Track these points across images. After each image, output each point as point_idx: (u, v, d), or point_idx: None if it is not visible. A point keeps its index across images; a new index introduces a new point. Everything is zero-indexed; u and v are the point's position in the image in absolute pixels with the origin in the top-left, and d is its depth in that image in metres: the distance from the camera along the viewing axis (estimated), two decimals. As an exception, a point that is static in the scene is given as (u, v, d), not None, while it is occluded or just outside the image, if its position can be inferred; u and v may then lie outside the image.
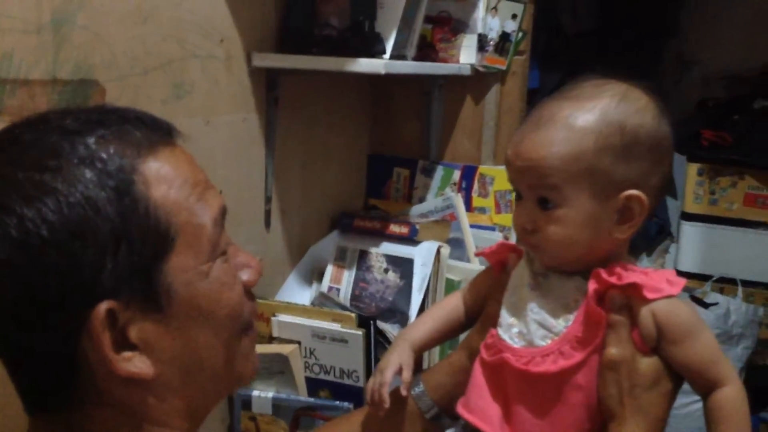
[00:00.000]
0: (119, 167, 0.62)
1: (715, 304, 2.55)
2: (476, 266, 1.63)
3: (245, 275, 0.72)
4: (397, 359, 0.95)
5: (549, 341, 0.85)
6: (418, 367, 1.00)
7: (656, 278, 0.82)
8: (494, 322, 0.90)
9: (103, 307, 0.60)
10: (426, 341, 0.99)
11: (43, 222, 0.58)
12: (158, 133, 0.67)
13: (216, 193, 0.70)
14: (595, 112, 0.82)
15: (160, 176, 0.64)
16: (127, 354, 0.63)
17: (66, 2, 1.00)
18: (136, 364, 0.63)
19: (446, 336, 1.01)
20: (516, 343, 0.87)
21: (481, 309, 0.97)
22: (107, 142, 0.63)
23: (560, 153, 0.82)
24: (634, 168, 0.82)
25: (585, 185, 0.82)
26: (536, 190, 0.84)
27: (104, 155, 0.62)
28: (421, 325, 1.00)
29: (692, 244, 2.86)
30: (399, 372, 0.94)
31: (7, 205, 0.59)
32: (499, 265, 0.96)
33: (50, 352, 0.62)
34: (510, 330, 0.88)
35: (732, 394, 0.81)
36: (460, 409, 0.91)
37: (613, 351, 0.82)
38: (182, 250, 0.64)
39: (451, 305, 1.01)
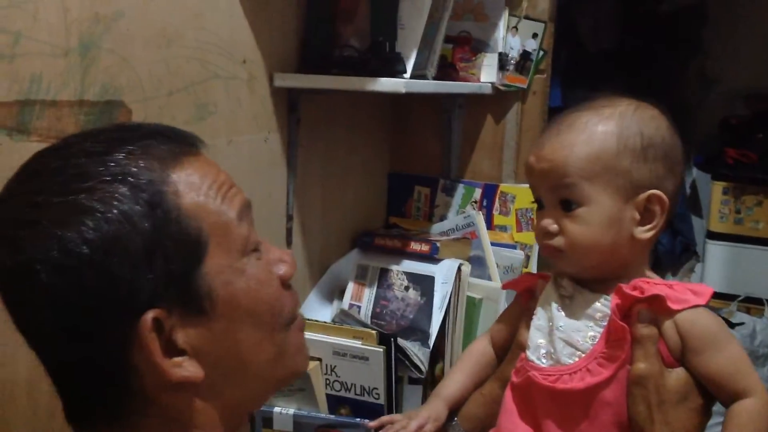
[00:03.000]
0: (150, 180, 0.63)
1: (741, 324, 2.52)
2: (497, 284, 1.63)
3: (280, 269, 0.73)
4: (427, 413, 0.96)
5: (576, 359, 0.85)
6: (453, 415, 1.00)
7: (680, 289, 0.83)
8: (524, 348, 0.91)
9: (149, 316, 0.61)
10: (460, 395, 0.99)
11: (84, 241, 0.60)
12: (182, 145, 0.69)
13: (237, 190, 0.71)
14: (614, 117, 0.85)
15: (189, 185, 0.65)
16: (177, 359, 0.64)
17: (93, 27, 1.03)
18: (187, 368, 0.64)
19: (481, 381, 1.00)
20: (544, 363, 0.87)
21: (513, 341, 0.97)
22: (135, 157, 0.64)
23: (582, 153, 0.84)
24: (651, 170, 0.84)
25: (606, 184, 0.83)
26: (558, 191, 0.85)
27: (135, 169, 0.63)
28: (452, 380, 1.00)
29: (718, 264, 2.83)
30: (425, 424, 0.95)
31: (44, 230, 0.60)
32: (527, 293, 0.96)
33: (99, 366, 0.63)
34: (538, 351, 0.88)
35: (752, 406, 0.80)
36: None
37: (640, 366, 0.82)
38: (215, 251, 0.66)
39: (478, 351, 1.01)
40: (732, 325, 2.51)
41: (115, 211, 0.61)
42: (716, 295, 2.75)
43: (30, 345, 0.66)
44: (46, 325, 0.62)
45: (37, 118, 0.97)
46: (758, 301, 2.68)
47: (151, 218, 0.62)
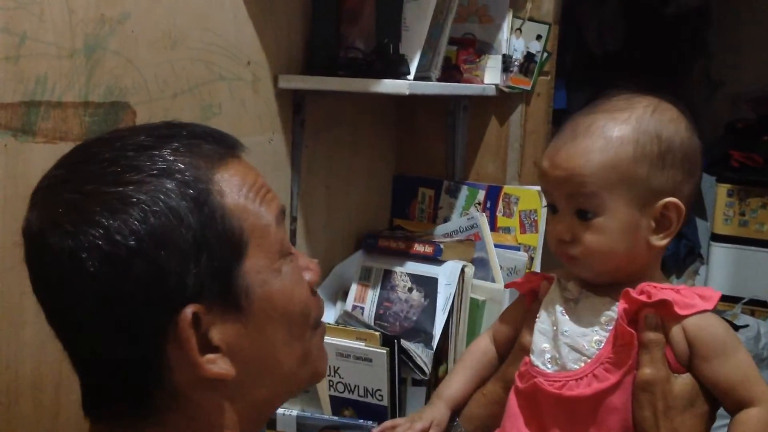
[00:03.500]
0: (196, 178, 0.64)
1: (746, 326, 2.51)
2: (500, 286, 1.62)
3: (307, 276, 0.75)
4: (430, 416, 0.95)
5: (582, 364, 0.84)
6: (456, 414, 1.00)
7: (688, 294, 0.82)
8: (528, 350, 0.90)
9: (189, 310, 0.62)
10: (462, 395, 0.98)
11: (131, 233, 0.60)
12: (224, 147, 0.70)
13: (274, 195, 0.73)
14: (630, 121, 0.84)
15: (231, 185, 0.67)
16: (210, 356, 0.65)
17: (98, 28, 1.03)
18: (221, 365, 0.65)
19: (483, 381, 1.00)
20: (549, 369, 0.87)
21: (515, 341, 0.96)
22: (182, 155, 0.65)
23: (598, 161, 0.83)
24: (669, 176, 0.83)
25: (623, 193, 0.83)
26: (574, 200, 0.84)
27: (182, 166, 0.64)
28: (454, 380, 1.00)
29: (722, 266, 2.82)
30: (428, 428, 0.95)
31: (92, 218, 0.61)
32: (531, 294, 0.96)
33: (132, 359, 0.63)
34: (543, 356, 0.88)
35: (759, 415, 0.79)
36: None
37: (646, 372, 0.81)
38: (254, 252, 0.67)
39: (480, 350, 1.00)
40: (736, 328, 2.51)
41: (162, 204, 0.62)
42: (720, 298, 2.77)
43: (59, 335, 0.66)
44: (85, 314, 0.62)
45: (42, 119, 0.97)
46: (762, 304, 2.68)
47: (198, 215, 0.63)
